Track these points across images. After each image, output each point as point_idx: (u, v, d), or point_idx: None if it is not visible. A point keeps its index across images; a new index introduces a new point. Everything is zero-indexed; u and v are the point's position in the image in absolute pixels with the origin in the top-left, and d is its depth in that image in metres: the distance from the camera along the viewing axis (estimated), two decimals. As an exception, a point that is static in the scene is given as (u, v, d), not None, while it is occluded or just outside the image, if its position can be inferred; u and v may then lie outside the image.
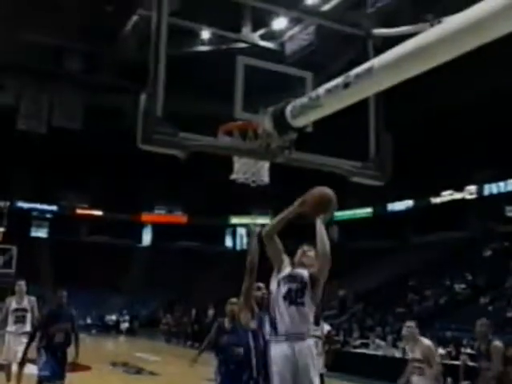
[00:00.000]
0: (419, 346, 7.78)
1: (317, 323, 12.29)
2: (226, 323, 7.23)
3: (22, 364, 9.77)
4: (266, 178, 3.93)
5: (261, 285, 6.84)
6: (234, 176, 3.91)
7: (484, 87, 31.54)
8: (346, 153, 3.94)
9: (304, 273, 5.23)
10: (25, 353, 9.42)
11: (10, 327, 10.92)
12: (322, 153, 3.74)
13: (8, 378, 10.94)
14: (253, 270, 5.68)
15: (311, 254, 5.44)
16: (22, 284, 11.04)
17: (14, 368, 11.05)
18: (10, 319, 10.96)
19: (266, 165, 3.93)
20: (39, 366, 9.11)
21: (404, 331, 8.14)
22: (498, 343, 7.59)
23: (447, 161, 35.85)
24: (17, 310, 10.84)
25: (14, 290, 11.26)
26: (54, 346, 9.16)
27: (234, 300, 7.06)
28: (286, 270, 5.31)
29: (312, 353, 5.04)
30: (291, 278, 5.22)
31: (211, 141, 3.53)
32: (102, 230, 51.34)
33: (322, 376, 11.93)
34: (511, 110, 30.85)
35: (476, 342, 8.18)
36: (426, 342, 7.95)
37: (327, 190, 5.09)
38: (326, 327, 12.16)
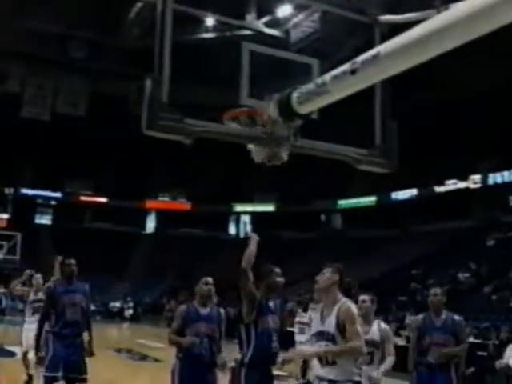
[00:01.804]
0: (376, 326, 6.76)
1: (305, 310, 12.32)
2: (200, 308, 6.41)
3: (36, 351, 7.87)
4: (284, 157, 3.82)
5: (209, 279, 6.44)
6: (255, 158, 3.80)
7: (492, 77, 31.43)
8: (352, 140, 3.93)
9: (331, 326, 4.79)
10: (37, 339, 7.73)
11: (29, 317, 11.00)
12: (328, 140, 3.73)
13: (27, 367, 11.00)
14: (247, 270, 5.41)
15: (321, 277, 5.05)
16: (38, 278, 11.09)
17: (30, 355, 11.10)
18: (28, 311, 11.07)
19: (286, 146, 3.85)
20: (45, 363, 7.43)
21: (360, 306, 6.59)
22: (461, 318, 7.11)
23: (452, 150, 35.81)
24: (34, 301, 10.91)
25: (31, 282, 11.37)
26: (65, 326, 7.41)
27: (209, 280, 6.44)
28: (316, 320, 4.99)
29: None
30: (320, 334, 4.86)
31: (217, 127, 3.52)
32: (106, 217, 51.48)
33: (304, 369, 11.90)
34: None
35: (423, 314, 7.16)
36: (384, 323, 7.07)
37: None
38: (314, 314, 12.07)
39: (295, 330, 11.94)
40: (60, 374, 7.29)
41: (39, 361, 7.68)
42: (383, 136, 3.86)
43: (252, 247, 5.47)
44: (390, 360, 6.63)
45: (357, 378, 4.79)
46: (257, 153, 3.65)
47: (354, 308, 4.90)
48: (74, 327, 7.50)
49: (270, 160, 3.67)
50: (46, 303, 7.82)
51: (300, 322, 11.98)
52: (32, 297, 10.98)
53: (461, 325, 6.92)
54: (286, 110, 3.34)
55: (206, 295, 6.42)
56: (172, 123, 3.27)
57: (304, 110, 3.32)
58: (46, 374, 7.35)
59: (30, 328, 10.69)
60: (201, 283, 6.44)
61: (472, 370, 14.44)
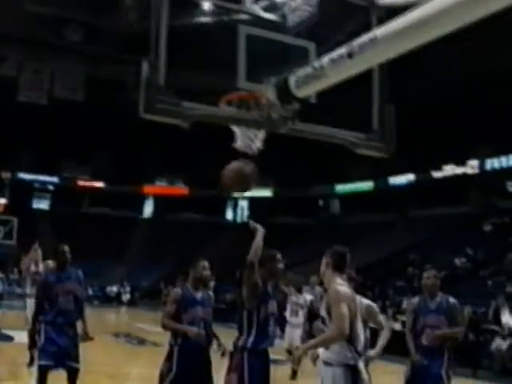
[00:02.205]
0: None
1: (299, 291, 12.29)
2: (194, 292, 6.30)
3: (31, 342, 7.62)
4: (255, 147, 3.89)
5: (206, 264, 6.35)
6: (237, 144, 3.85)
7: (490, 62, 31.31)
8: (350, 125, 3.93)
9: (324, 310, 5.06)
10: (33, 327, 7.52)
11: (30, 290, 11.12)
12: (326, 124, 3.73)
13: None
14: (255, 263, 5.33)
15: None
16: (37, 250, 11.21)
17: None
18: (29, 282, 11.21)
19: (261, 134, 3.91)
20: (38, 351, 7.25)
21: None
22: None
23: (449, 135, 35.75)
24: (35, 273, 11.04)
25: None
26: (58, 314, 7.16)
27: (207, 264, 6.35)
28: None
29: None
30: (322, 319, 5.15)
31: (214, 110, 3.52)
32: (104, 202, 51.46)
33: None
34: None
35: (419, 296, 6.99)
36: (365, 299, 6.85)
37: (242, 167, 4.93)
38: (309, 297, 12.03)
39: (287, 310, 11.89)
40: (53, 362, 7.10)
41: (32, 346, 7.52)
42: (381, 120, 3.86)
43: (258, 239, 5.39)
44: (384, 335, 6.66)
45: (351, 362, 4.80)
46: (239, 139, 3.68)
47: (340, 290, 4.91)
48: (66, 316, 7.25)
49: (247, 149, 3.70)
50: (40, 295, 7.50)
51: (294, 303, 11.93)
52: (33, 268, 11.18)
53: (456, 307, 6.82)
54: (283, 93, 3.34)
55: (205, 280, 6.38)
56: (169, 107, 3.28)
57: (302, 93, 3.32)
58: (40, 362, 7.16)
59: (32, 304, 10.74)
60: (199, 267, 6.34)
61: (471, 336, 14.42)
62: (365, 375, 4.91)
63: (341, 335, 4.71)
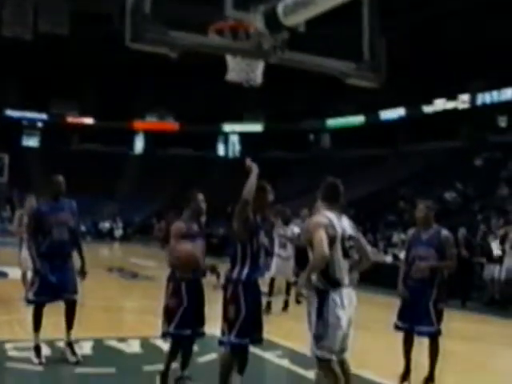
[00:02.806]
0: None
1: (286, 223, 12.12)
2: (193, 225, 6.23)
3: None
4: (258, 79, 3.82)
5: (201, 197, 6.31)
6: (228, 76, 3.78)
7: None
8: (341, 55, 3.87)
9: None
10: (33, 261, 7.11)
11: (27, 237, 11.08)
12: (316, 54, 3.67)
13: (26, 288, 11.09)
14: (249, 201, 5.35)
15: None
16: (31, 199, 11.06)
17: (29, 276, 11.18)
18: (25, 234, 11.14)
19: (260, 65, 3.81)
20: (34, 288, 7.09)
21: None
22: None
23: (441, 69, 35.47)
24: None
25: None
26: (53, 245, 7.02)
27: (202, 197, 6.33)
28: None
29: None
30: None
31: (202, 40, 3.45)
32: (94, 138, 51.09)
33: (288, 285, 11.93)
34: (506, 19, 30.34)
35: (415, 228, 6.95)
36: None
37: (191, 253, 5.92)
38: (296, 229, 11.94)
39: (275, 243, 11.70)
40: (50, 296, 7.03)
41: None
42: (371, 51, 3.80)
43: (253, 179, 5.40)
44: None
45: (320, 287, 4.99)
46: (232, 71, 3.61)
47: (314, 219, 5.11)
48: (61, 247, 7.08)
49: (248, 81, 3.63)
50: (31, 226, 7.30)
51: (282, 235, 11.83)
52: (26, 219, 10.99)
53: (447, 240, 6.75)
54: (272, 21, 3.27)
55: (202, 212, 6.33)
56: (157, 35, 3.20)
57: (290, 21, 3.25)
58: (36, 298, 7.07)
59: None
60: (199, 200, 6.29)
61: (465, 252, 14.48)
62: (337, 302, 4.98)
63: (322, 258, 4.83)
